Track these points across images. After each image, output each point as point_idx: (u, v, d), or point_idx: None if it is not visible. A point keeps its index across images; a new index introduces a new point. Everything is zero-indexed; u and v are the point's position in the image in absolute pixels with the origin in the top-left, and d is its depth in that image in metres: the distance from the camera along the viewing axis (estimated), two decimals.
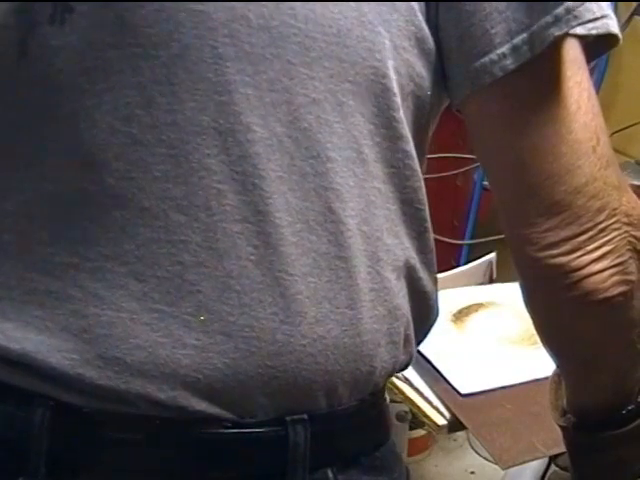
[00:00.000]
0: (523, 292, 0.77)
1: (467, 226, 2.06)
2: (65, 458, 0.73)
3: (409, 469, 0.86)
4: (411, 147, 0.74)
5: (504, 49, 0.70)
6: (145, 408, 0.71)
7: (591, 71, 0.77)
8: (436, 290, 0.82)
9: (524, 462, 1.08)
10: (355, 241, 0.72)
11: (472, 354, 1.24)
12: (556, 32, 0.69)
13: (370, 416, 0.79)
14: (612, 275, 0.73)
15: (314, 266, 0.71)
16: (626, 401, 0.81)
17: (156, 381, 0.70)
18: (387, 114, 0.72)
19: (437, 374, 1.18)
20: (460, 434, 1.31)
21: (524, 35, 0.69)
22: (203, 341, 0.70)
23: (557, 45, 0.70)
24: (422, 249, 0.78)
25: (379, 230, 0.74)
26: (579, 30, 0.70)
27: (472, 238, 2.03)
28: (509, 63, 0.70)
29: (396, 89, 0.72)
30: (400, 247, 0.75)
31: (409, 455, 1.32)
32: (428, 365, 1.18)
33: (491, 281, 1.51)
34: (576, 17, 0.69)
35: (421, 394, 1.16)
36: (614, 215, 0.72)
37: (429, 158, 0.81)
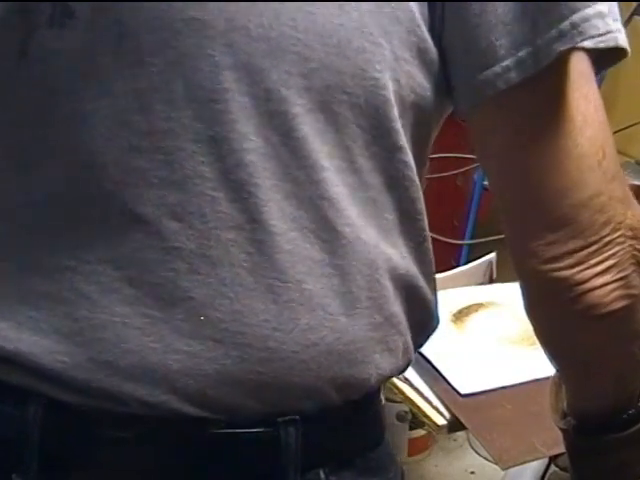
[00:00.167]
0: (525, 302, 0.77)
1: (467, 226, 2.06)
2: (58, 455, 0.73)
3: (404, 470, 0.86)
4: (410, 157, 0.74)
5: (508, 62, 0.69)
6: (137, 407, 0.71)
7: None
8: (435, 299, 0.82)
9: (524, 462, 1.08)
10: (350, 249, 0.72)
11: (472, 354, 1.24)
12: (560, 47, 0.68)
13: (364, 417, 0.79)
14: (614, 289, 0.73)
15: (307, 273, 0.71)
16: (627, 405, 0.81)
17: (147, 386, 0.70)
18: (385, 125, 0.72)
19: (437, 374, 1.18)
20: (460, 434, 1.31)
21: (529, 48, 0.69)
22: (194, 347, 0.70)
23: (563, 59, 0.69)
24: (420, 258, 0.78)
25: (376, 239, 0.73)
26: (586, 43, 0.69)
27: (472, 238, 2.03)
28: (513, 76, 0.69)
29: (395, 100, 0.72)
30: (398, 256, 0.75)
31: (409, 455, 1.32)
32: (428, 365, 1.18)
33: (491, 281, 1.51)
34: (581, 33, 0.68)
35: (421, 394, 1.16)
36: (618, 229, 0.72)
37: (429, 158, 0.81)
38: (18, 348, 0.72)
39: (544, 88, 0.70)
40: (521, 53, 0.69)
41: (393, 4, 0.70)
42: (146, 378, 0.70)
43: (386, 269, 0.74)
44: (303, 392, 0.73)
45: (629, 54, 0.73)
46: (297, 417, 0.73)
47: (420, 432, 1.31)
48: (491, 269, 1.51)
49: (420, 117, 0.74)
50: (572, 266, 0.72)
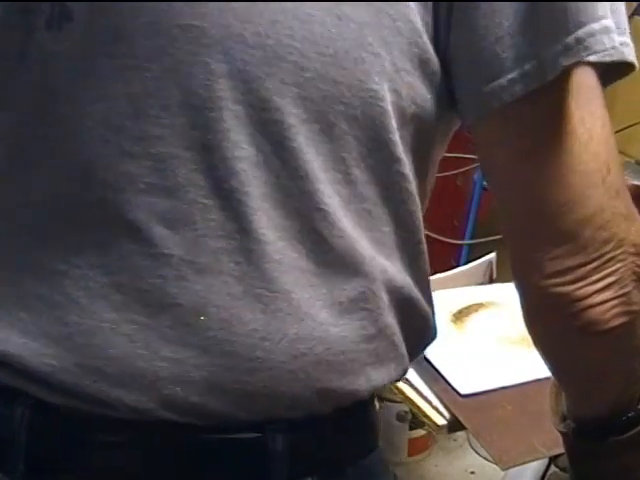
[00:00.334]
0: (524, 315, 0.77)
1: (467, 226, 2.06)
2: (46, 457, 0.73)
3: (398, 476, 0.85)
4: (408, 170, 0.73)
5: (514, 75, 0.68)
6: (127, 413, 0.71)
7: None
8: (432, 310, 0.81)
9: (524, 463, 1.08)
10: (341, 261, 0.72)
11: (472, 354, 1.24)
12: (565, 62, 0.68)
13: (355, 426, 0.78)
14: (614, 307, 0.72)
15: (296, 283, 0.71)
16: (627, 408, 0.81)
17: (135, 392, 0.70)
18: (383, 136, 0.71)
19: (437, 374, 1.18)
20: (460, 434, 1.31)
21: (534, 62, 0.68)
22: (181, 354, 0.70)
23: (568, 73, 0.69)
24: (417, 271, 0.77)
25: (371, 251, 0.73)
26: (592, 57, 0.69)
27: (472, 238, 2.03)
28: (519, 89, 0.69)
29: (395, 112, 0.71)
30: (394, 269, 0.75)
31: (409, 455, 1.31)
32: (428, 365, 1.18)
33: (491, 281, 1.51)
34: (586, 48, 0.68)
35: (421, 394, 1.16)
36: (621, 246, 0.72)
37: (433, 170, 0.80)
38: (7, 349, 0.72)
39: (549, 102, 0.70)
40: (526, 66, 0.68)
41: (394, 15, 0.69)
42: (134, 384, 0.70)
43: (382, 281, 0.73)
44: (291, 402, 0.72)
45: (637, 68, 0.72)
46: (284, 425, 0.73)
47: (420, 432, 1.31)
48: (491, 269, 1.50)
49: (421, 128, 0.74)
50: (573, 282, 0.72)
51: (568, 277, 0.72)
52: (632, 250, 0.73)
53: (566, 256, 0.71)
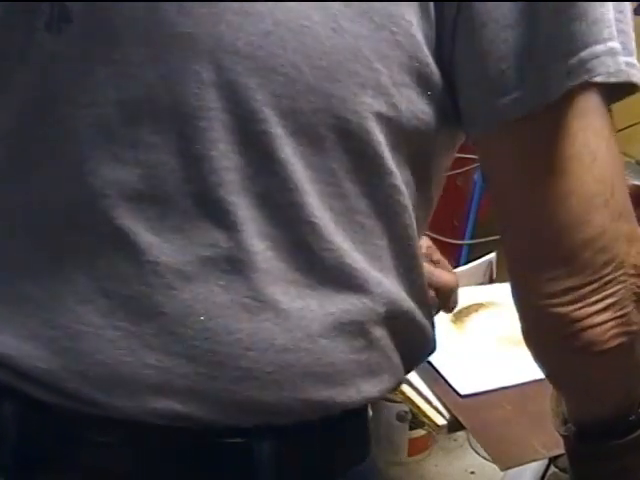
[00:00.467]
0: (523, 333, 0.77)
1: (467, 226, 2.06)
2: (35, 455, 0.73)
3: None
4: (401, 182, 0.72)
5: (517, 94, 0.68)
6: (114, 413, 0.71)
7: None
8: (432, 322, 0.81)
9: (524, 463, 1.08)
10: (332, 274, 0.71)
11: (472, 354, 1.24)
12: (569, 83, 0.67)
13: (346, 435, 0.78)
14: (613, 327, 0.72)
15: (284, 294, 0.70)
16: (628, 412, 0.81)
17: (119, 398, 0.70)
18: (376, 150, 0.70)
19: (437, 374, 1.18)
20: (460, 434, 1.31)
21: (538, 82, 0.67)
22: (165, 362, 0.70)
23: (572, 94, 0.68)
24: (412, 284, 0.76)
25: (364, 264, 0.72)
26: (597, 78, 0.68)
27: (472, 238, 2.02)
28: (521, 108, 0.68)
29: (389, 126, 0.70)
30: (388, 282, 0.74)
31: (409, 455, 1.32)
32: (428, 365, 1.18)
33: (491, 281, 1.51)
34: (589, 70, 0.67)
35: (421, 394, 1.16)
36: (621, 267, 0.71)
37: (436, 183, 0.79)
38: None
39: (551, 122, 0.69)
40: (530, 86, 0.67)
41: (394, 28, 0.69)
42: (119, 390, 0.70)
43: (375, 294, 0.73)
44: (277, 411, 0.72)
45: None
46: (271, 432, 0.72)
47: (420, 432, 1.31)
48: (491, 269, 1.51)
49: (421, 141, 0.73)
50: (570, 303, 0.71)
51: (567, 298, 0.71)
52: (632, 272, 0.72)
53: (565, 277, 0.71)
